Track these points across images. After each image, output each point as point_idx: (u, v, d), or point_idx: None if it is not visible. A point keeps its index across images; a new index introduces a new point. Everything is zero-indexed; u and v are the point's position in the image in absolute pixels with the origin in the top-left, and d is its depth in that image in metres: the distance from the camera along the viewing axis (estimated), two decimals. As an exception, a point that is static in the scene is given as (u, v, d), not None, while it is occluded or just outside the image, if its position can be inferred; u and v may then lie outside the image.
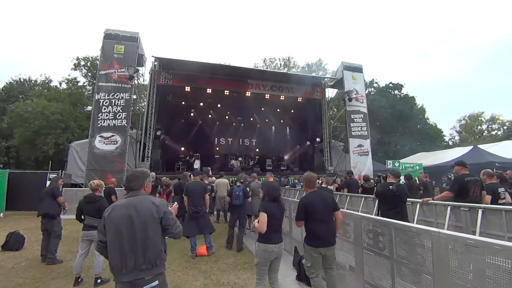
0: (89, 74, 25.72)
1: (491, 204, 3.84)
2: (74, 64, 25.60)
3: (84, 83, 26.62)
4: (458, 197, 4.05)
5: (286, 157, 19.91)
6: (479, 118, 38.14)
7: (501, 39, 73.02)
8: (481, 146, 14.80)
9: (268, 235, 2.83)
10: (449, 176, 7.91)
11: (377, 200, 4.69)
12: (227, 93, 15.44)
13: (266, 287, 2.94)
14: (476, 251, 1.77)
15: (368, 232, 2.94)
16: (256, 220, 2.93)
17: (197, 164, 14.27)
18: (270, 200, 2.98)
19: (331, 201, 3.03)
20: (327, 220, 2.92)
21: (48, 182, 9.89)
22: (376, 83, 32.97)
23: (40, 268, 4.40)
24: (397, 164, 13.54)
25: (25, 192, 9.96)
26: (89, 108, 22.31)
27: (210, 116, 18.82)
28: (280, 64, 34.77)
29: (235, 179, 8.53)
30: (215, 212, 8.83)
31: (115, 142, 11.26)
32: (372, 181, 8.57)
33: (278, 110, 18.91)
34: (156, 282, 1.78)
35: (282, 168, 17.56)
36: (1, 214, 9.24)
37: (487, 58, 76.67)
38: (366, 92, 20.58)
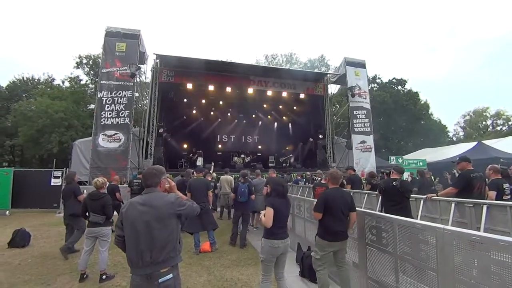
0: (92, 72, 25.83)
1: (495, 200, 3.80)
2: (77, 63, 25.72)
3: (86, 81, 26.77)
4: (463, 193, 3.98)
5: (288, 153, 19.88)
6: (484, 114, 37.69)
7: (504, 35, 71.88)
8: (486, 142, 14.61)
9: (273, 231, 2.82)
10: (454, 172, 7.84)
11: (380, 196, 4.67)
12: (229, 90, 15.34)
13: (272, 283, 2.95)
14: (481, 247, 1.76)
15: (371, 228, 2.94)
16: (262, 214, 2.91)
17: (199, 161, 14.34)
18: (277, 195, 2.97)
19: (350, 201, 3.07)
20: (342, 218, 2.98)
21: (52, 180, 9.99)
22: (379, 78, 32.59)
23: (46, 264, 4.45)
24: (400, 160, 13.40)
25: (30, 190, 10.05)
26: (92, 106, 22.37)
27: (212, 113, 18.81)
28: (282, 60, 34.65)
29: (238, 176, 8.56)
30: (219, 209, 8.89)
31: (119, 140, 11.34)
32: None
33: (280, 106, 18.88)
34: (171, 275, 1.80)
35: (284, 164, 17.54)
36: (7, 212, 9.35)
37: (492, 55, 75.65)
38: (369, 87, 20.39)
